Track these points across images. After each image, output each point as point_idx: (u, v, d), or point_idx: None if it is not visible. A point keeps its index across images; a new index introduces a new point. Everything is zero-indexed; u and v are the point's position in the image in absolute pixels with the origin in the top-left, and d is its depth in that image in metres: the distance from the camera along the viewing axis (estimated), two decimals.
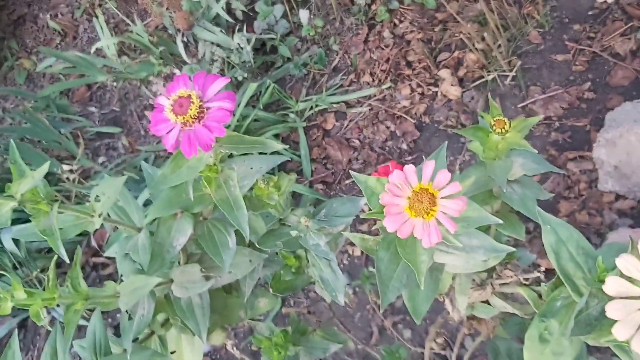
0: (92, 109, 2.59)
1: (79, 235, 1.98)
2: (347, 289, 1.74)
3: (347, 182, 1.91)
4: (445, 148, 0.63)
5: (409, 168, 0.49)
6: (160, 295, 0.97)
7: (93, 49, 2.58)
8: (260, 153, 0.73)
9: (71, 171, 2.05)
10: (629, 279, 0.47)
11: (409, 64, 2.01)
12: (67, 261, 0.65)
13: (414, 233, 0.49)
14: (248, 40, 2.13)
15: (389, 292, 0.58)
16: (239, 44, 2.13)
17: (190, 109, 0.52)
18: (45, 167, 0.61)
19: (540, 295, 0.72)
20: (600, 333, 0.54)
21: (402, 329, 1.60)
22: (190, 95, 0.52)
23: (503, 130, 0.65)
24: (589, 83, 1.78)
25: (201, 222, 0.81)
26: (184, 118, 0.52)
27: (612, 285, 0.47)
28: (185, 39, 2.33)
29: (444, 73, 1.94)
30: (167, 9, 2.31)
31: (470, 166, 0.77)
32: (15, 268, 1.90)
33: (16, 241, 1.80)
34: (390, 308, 1.65)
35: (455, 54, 1.96)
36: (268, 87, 2.06)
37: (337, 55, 2.18)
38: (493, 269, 0.79)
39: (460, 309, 0.75)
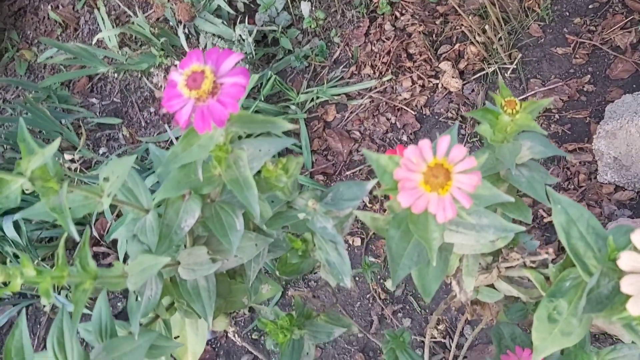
0: (93, 100, 2.58)
1: (80, 224, 1.98)
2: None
3: (347, 173, 1.92)
4: (456, 128, 0.64)
5: (424, 143, 0.50)
6: (166, 278, 0.97)
7: (94, 40, 2.57)
8: (268, 135, 0.73)
9: (72, 161, 2.05)
10: None
11: (409, 56, 2.01)
12: (77, 239, 0.65)
13: (428, 208, 0.49)
14: (249, 32, 2.13)
15: (399, 270, 0.58)
16: (240, 36, 2.13)
17: (204, 84, 0.52)
18: (55, 144, 0.61)
19: (547, 278, 0.72)
20: (611, 311, 0.54)
21: (401, 317, 1.60)
22: (204, 70, 0.53)
23: (514, 110, 0.65)
24: (589, 76, 1.78)
25: (209, 205, 0.81)
26: (197, 93, 0.52)
27: (626, 260, 0.47)
28: (186, 31, 2.33)
29: (445, 65, 1.94)
30: (168, 0, 2.31)
31: (477, 150, 0.77)
32: (16, 256, 1.90)
33: (17, 229, 1.80)
34: (390, 297, 1.65)
35: (456, 46, 1.97)
36: (269, 78, 2.06)
37: (338, 47, 2.18)
38: (499, 252, 0.80)
39: (468, 291, 0.75)
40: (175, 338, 1.16)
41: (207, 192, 0.74)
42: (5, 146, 2.30)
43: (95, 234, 2.04)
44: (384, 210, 1.82)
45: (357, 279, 1.74)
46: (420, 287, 0.62)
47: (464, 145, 1.79)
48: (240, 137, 0.71)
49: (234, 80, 0.53)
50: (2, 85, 2.83)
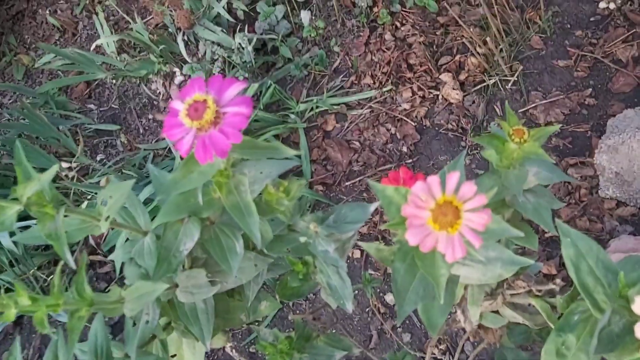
0: (91, 106, 2.56)
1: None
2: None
3: (347, 183, 1.90)
4: (463, 157, 0.62)
5: (433, 179, 0.48)
6: (163, 300, 0.95)
7: (93, 46, 2.55)
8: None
9: (70, 169, 2.03)
10: None
11: (410, 67, 2.00)
12: (73, 267, 0.63)
13: (437, 247, 0.48)
14: (249, 40, 2.11)
15: (405, 305, 0.57)
16: (239, 44, 2.12)
17: (206, 114, 0.51)
18: (53, 170, 0.60)
19: (553, 307, 0.71)
20: (622, 351, 0.53)
21: (401, 332, 1.59)
22: (206, 100, 0.51)
23: (522, 140, 0.64)
24: (590, 89, 1.77)
25: (208, 227, 0.79)
26: (199, 123, 0.51)
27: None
28: (185, 38, 2.31)
29: (445, 77, 1.93)
30: (168, 7, 2.29)
31: (483, 175, 0.76)
32: (12, 265, 1.88)
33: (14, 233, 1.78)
34: (390, 311, 1.64)
35: (457, 57, 1.95)
36: (269, 87, 2.05)
37: (338, 56, 2.17)
38: (504, 280, 0.78)
39: (473, 320, 0.74)
40: (172, 356, 1.14)
41: (207, 215, 0.73)
42: (1, 152, 2.28)
43: (92, 242, 2.02)
44: (384, 221, 1.81)
45: (356, 292, 1.72)
46: (426, 322, 0.61)
47: (465, 158, 1.78)
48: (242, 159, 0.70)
49: (236, 110, 0.52)
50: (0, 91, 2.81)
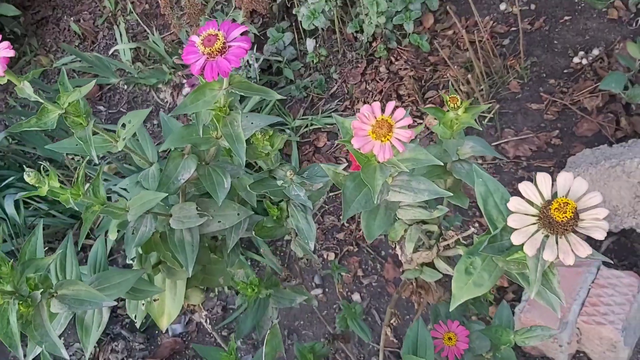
0: (101, 107, 2.76)
1: (72, 217, 2.10)
2: (316, 289, 1.88)
3: (330, 194, 2.07)
4: (408, 111, 0.80)
5: (376, 104, 0.66)
6: (155, 235, 1.11)
7: (111, 51, 2.77)
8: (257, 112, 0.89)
9: (74, 159, 2.20)
10: (527, 201, 0.63)
11: (399, 97, 2.20)
12: (96, 161, 0.80)
13: (373, 150, 0.65)
14: (257, 59, 2.32)
15: (350, 210, 0.73)
16: (248, 61, 2.32)
17: (216, 43, 0.68)
18: (90, 85, 0.77)
19: None
20: (507, 255, 0.69)
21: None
22: (217, 34, 0.69)
23: (456, 105, 0.82)
24: (557, 131, 1.97)
25: (203, 166, 0.96)
26: (210, 49, 0.68)
27: (513, 203, 0.63)
28: (186, 80, 2.52)
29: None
30: (187, 22, 2.51)
31: (430, 145, 0.93)
32: (11, 237, 2.02)
33: (17, 208, 1.93)
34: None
35: (442, 92, 2.16)
36: (269, 102, 2.24)
37: (336, 83, 2.37)
38: (440, 235, 0.95)
39: (407, 253, 0.90)
40: (154, 301, 1.29)
41: (204, 148, 0.90)
42: (10, 139, 2.45)
43: None
44: (359, 231, 1.97)
45: (326, 290, 1.87)
46: (365, 230, 0.77)
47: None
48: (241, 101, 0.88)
49: (238, 44, 0.70)
50: (15, 86, 3.01)
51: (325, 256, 1.93)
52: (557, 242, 0.61)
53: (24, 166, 2.25)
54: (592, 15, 2.22)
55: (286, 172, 0.95)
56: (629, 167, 1.57)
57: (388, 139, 0.65)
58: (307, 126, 2.25)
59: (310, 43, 2.45)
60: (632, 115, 1.89)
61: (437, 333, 0.97)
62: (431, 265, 1.00)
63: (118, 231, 0.99)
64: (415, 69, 2.24)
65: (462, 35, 2.20)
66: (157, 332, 1.93)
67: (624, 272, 1.50)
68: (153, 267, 1.19)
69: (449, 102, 0.82)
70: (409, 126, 0.65)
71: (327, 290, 1.87)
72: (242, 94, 0.79)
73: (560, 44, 2.17)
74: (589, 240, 0.68)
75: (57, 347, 0.78)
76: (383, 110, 0.66)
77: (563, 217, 0.59)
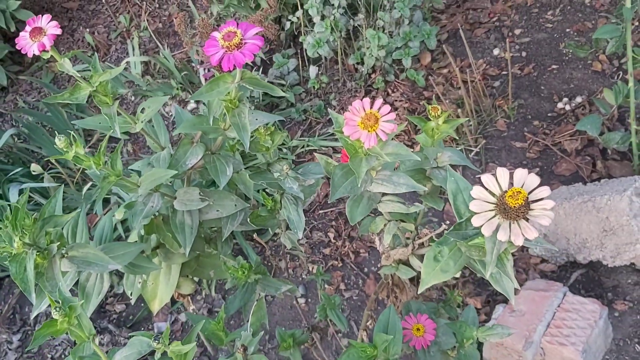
0: None
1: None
2: (300, 298, 1.96)
3: (320, 212, 2.18)
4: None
5: (366, 100, 0.77)
6: (157, 218, 1.21)
7: (122, 63, 2.89)
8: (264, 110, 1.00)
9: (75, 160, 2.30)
10: (487, 190, 0.74)
11: None
12: (119, 135, 0.91)
13: (360, 138, 0.76)
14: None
15: (337, 194, 0.84)
16: None
17: (235, 39, 0.80)
18: (120, 69, 0.88)
19: None
20: (469, 241, 0.80)
21: (340, 337, 1.81)
22: (236, 32, 0.81)
23: (436, 114, 0.93)
24: (537, 169, 2.09)
25: (209, 155, 1.07)
26: (229, 44, 0.80)
27: (476, 191, 0.74)
28: (206, 71, 2.65)
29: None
30: (200, 44, 2.65)
31: (415, 151, 1.05)
32: None
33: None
34: (333, 324, 1.87)
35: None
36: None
37: (334, 109, 2.50)
38: (416, 235, 1.06)
39: (385, 244, 1.00)
40: (150, 284, 1.38)
41: (212, 137, 1.01)
42: (16, 138, 2.55)
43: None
44: (345, 247, 2.07)
45: (309, 300, 1.96)
46: (349, 216, 0.88)
47: None
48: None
49: (253, 42, 0.81)
50: (26, 89, 3.13)
51: (310, 269, 2.02)
52: (510, 227, 0.72)
53: (30, 163, 2.36)
54: (577, 66, 2.37)
55: (283, 167, 1.05)
56: (599, 203, 1.69)
57: (374, 130, 0.76)
58: (303, 147, 2.36)
59: (313, 70, 2.59)
60: (607, 160, 2.02)
61: (407, 324, 1.07)
62: (407, 263, 1.10)
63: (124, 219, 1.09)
64: (410, 101, 2.38)
65: (456, 74, 2.35)
66: (142, 328, 2.00)
67: (588, 299, 1.60)
68: (152, 249, 1.29)
69: (430, 111, 0.94)
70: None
71: (309, 300, 1.95)
72: (252, 88, 0.90)
73: (546, 90, 2.32)
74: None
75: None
76: (371, 106, 0.77)
77: (515, 203, 0.70)
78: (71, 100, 0.89)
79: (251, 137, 1.00)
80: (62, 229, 1.01)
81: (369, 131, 0.76)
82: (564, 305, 1.58)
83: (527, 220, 0.73)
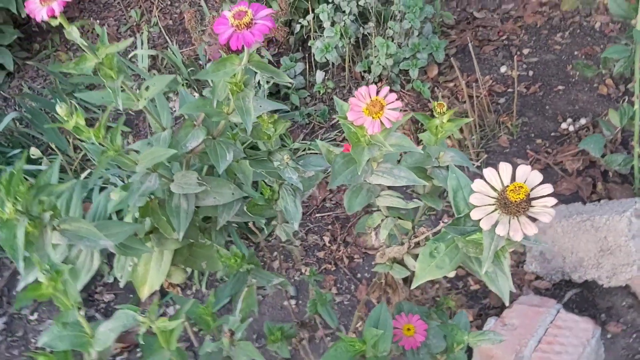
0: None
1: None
2: (291, 299, 1.95)
3: (317, 215, 2.17)
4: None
5: (372, 86, 0.76)
6: (153, 201, 1.20)
7: (130, 56, 2.90)
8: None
9: (75, 151, 2.30)
10: (489, 184, 0.73)
11: None
12: (121, 109, 0.90)
13: (364, 124, 0.75)
14: (267, 82, 2.45)
15: (337, 181, 0.83)
16: (258, 82, 2.45)
17: (245, 18, 0.79)
18: (127, 42, 0.88)
19: None
20: (467, 236, 0.79)
21: (329, 341, 1.80)
22: (247, 11, 0.80)
23: (441, 110, 0.93)
24: None
25: (210, 140, 1.06)
26: (239, 22, 0.80)
27: (477, 184, 0.73)
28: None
29: None
30: (209, 38, 2.66)
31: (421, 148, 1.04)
32: None
33: None
34: (323, 323, 1.85)
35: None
36: None
37: (338, 114, 2.50)
38: (413, 233, 1.05)
39: (381, 238, 0.99)
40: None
41: (215, 120, 1.00)
42: (17, 122, 2.55)
43: None
44: (339, 252, 2.06)
45: (299, 302, 1.94)
46: (347, 205, 0.87)
47: None
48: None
49: (263, 22, 0.81)
50: (32, 76, 3.13)
51: (303, 271, 2.01)
52: (509, 222, 0.71)
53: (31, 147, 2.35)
54: (584, 88, 2.37)
55: (283, 156, 1.05)
56: (598, 222, 1.68)
57: (379, 117, 0.75)
58: (304, 150, 2.36)
59: (319, 75, 2.59)
60: (608, 182, 2.02)
61: (398, 323, 1.05)
62: (401, 263, 1.09)
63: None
64: (414, 111, 2.37)
65: (462, 89, 2.35)
66: None
67: (581, 317, 1.58)
68: (145, 235, 1.27)
69: (436, 107, 0.93)
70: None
71: (300, 302, 1.94)
72: (258, 71, 0.90)
73: (551, 109, 2.32)
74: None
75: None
76: (378, 93, 0.77)
77: (517, 198, 0.69)
78: (76, 71, 0.89)
79: (254, 123, 0.99)
80: (57, 201, 1.00)
81: (373, 117, 0.76)
82: (557, 322, 1.57)
83: (528, 217, 0.72)
